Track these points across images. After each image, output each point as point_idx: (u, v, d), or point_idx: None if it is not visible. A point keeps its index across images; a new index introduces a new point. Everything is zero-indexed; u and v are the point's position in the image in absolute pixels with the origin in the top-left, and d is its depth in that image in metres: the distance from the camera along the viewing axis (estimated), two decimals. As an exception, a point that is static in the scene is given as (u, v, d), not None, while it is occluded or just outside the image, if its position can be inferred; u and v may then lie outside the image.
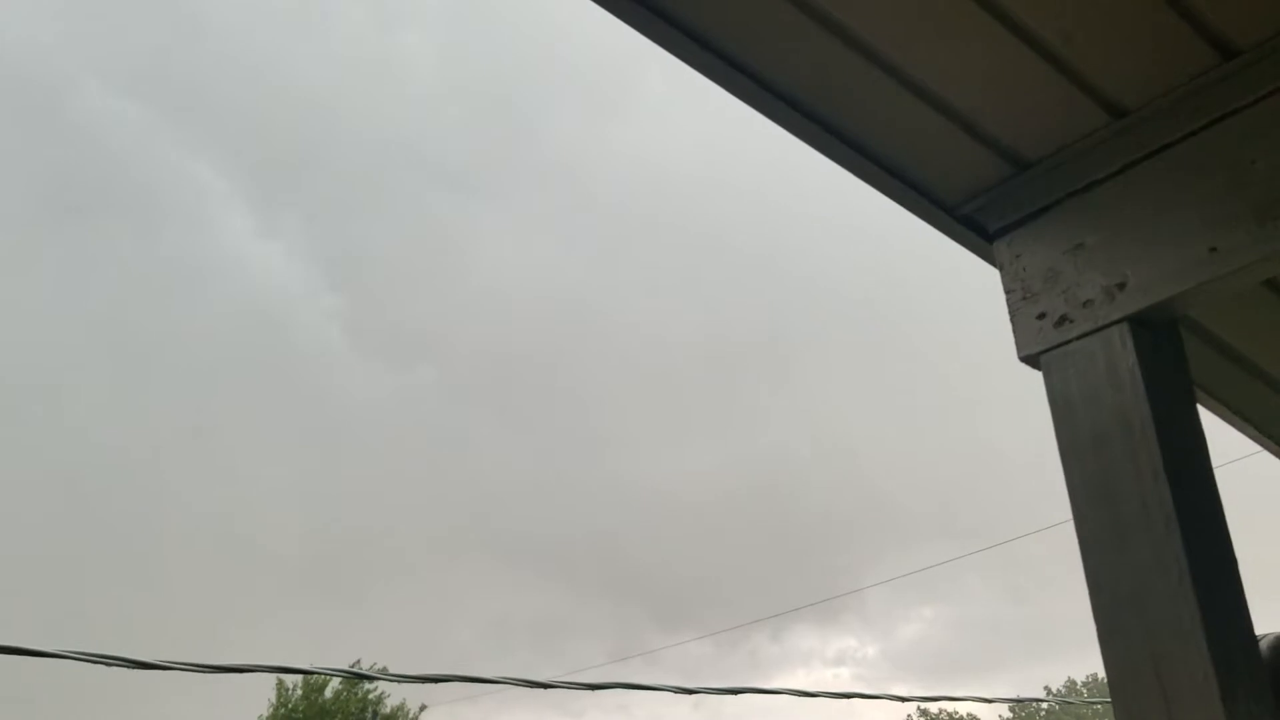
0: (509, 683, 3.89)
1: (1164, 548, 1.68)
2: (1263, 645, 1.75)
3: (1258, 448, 2.96)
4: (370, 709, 34.76)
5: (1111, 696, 1.68)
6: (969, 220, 2.11)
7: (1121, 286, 1.85)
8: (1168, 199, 1.84)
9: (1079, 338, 1.88)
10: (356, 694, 35.27)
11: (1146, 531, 1.71)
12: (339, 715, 34.54)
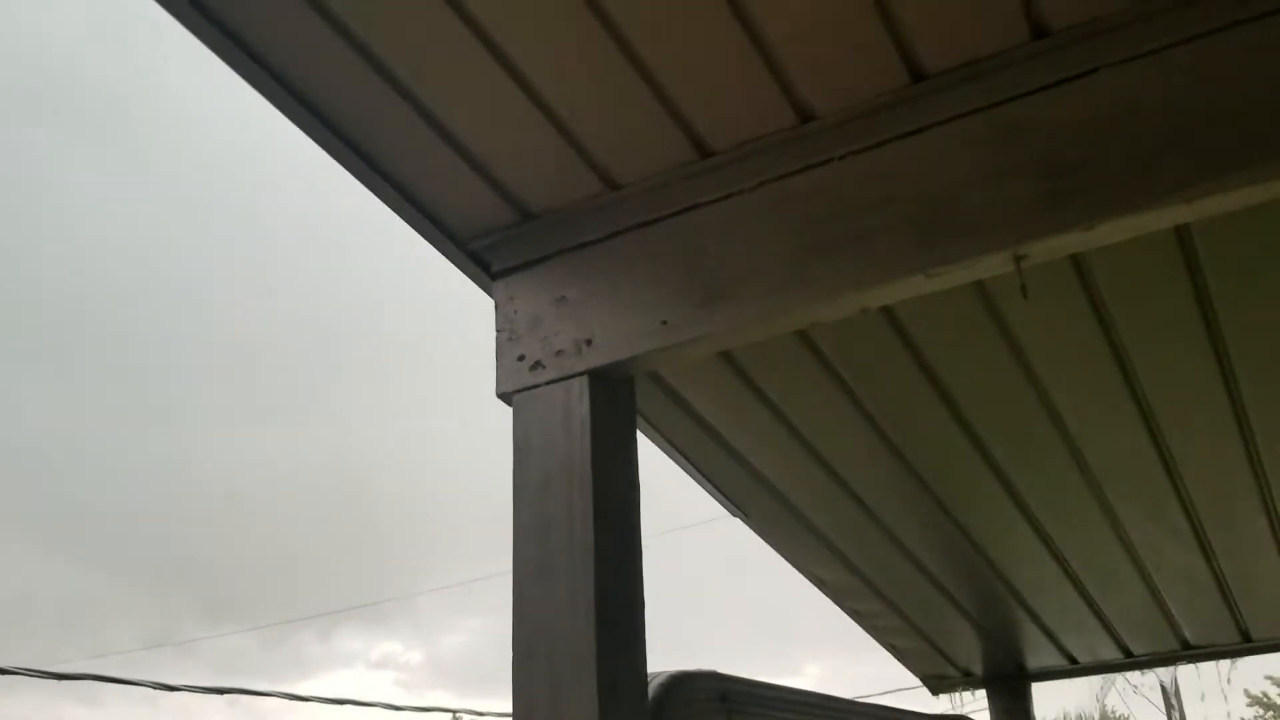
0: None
1: (579, 585, 1.84)
2: (653, 684, 1.95)
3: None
4: None
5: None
6: (476, 256, 2.21)
7: (589, 342, 2.02)
8: (638, 271, 2.03)
9: (547, 383, 2.02)
10: None
11: (568, 569, 1.86)
12: None
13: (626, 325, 2.00)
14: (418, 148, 2.01)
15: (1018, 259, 1.76)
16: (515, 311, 2.14)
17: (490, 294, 2.24)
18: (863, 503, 3.00)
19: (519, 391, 2.06)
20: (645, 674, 1.90)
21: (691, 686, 1.95)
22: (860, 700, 2.82)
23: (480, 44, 1.80)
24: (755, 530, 3.11)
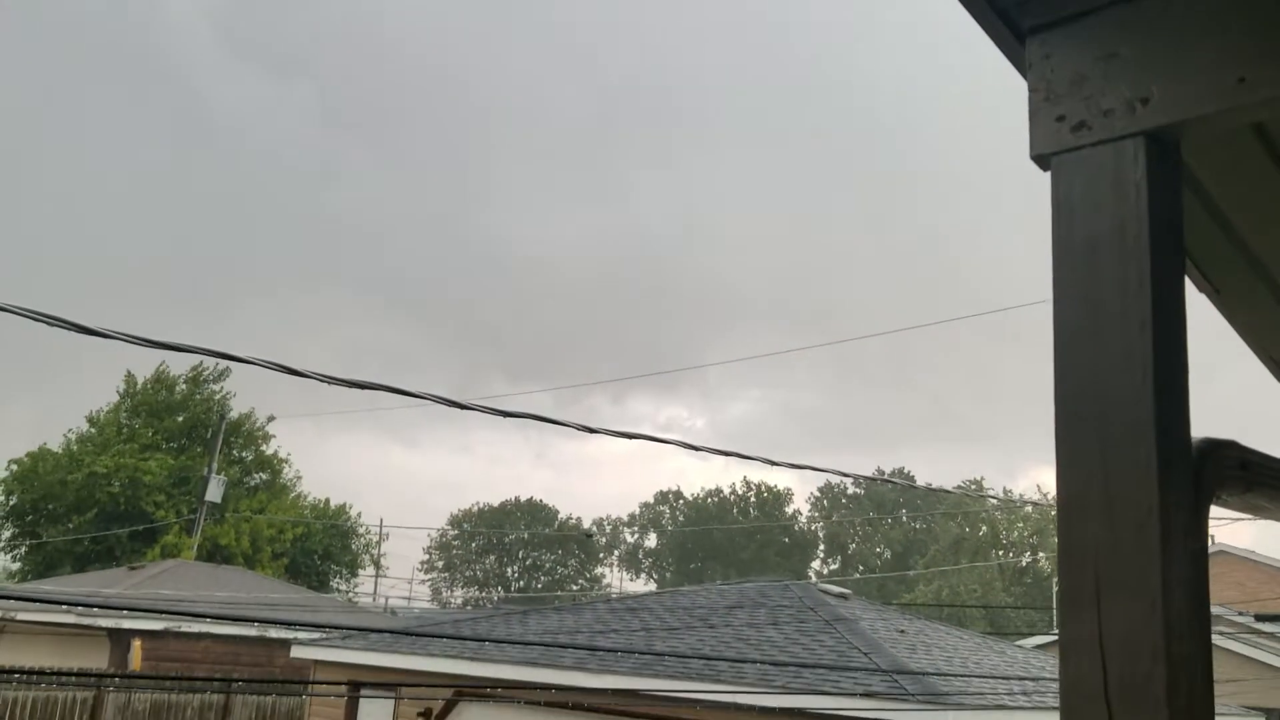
0: (429, 399, 3.98)
1: (1133, 351, 1.84)
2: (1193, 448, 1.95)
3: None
4: (217, 411, 34.84)
5: (1057, 476, 1.87)
6: (1004, 14, 2.12)
7: (1145, 101, 1.92)
8: (1210, 23, 1.90)
9: (1093, 144, 1.96)
10: (201, 394, 35.21)
11: (1121, 332, 1.86)
12: (183, 413, 34.50)
13: (1193, 82, 1.89)
14: None
15: None
16: (1052, 70, 2.06)
17: (1010, 54, 2.16)
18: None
19: (1058, 153, 2.01)
20: (1190, 440, 1.89)
21: (1221, 453, 1.93)
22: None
23: None
24: (1221, 309, 2.96)
